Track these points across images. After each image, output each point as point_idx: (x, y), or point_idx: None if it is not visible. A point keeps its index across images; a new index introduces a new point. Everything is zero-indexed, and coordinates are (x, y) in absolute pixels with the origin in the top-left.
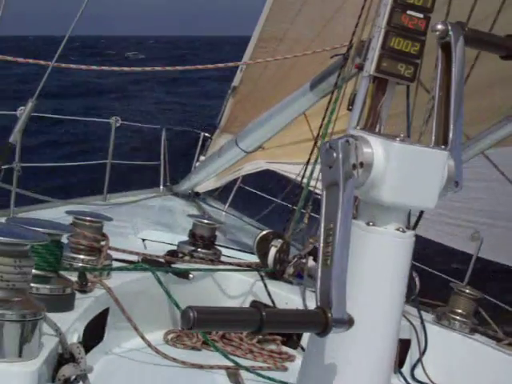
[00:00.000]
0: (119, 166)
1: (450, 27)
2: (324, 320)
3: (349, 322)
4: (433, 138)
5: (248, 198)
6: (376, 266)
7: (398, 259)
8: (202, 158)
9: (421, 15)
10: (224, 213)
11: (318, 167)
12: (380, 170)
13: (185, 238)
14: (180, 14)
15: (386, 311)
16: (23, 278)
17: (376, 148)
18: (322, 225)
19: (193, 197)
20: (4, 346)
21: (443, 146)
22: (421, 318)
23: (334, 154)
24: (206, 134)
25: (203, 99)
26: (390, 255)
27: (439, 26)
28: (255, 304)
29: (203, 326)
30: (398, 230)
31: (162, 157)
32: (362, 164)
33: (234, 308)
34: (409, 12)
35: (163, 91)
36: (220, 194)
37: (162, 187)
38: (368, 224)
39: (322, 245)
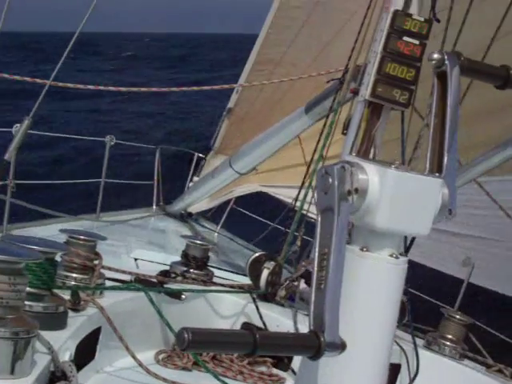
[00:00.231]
0: (112, 185)
1: (446, 56)
2: (317, 344)
3: (341, 346)
4: (427, 165)
5: (240, 219)
6: (369, 291)
7: (391, 285)
8: (196, 178)
9: (417, 42)
10: (216, 234)
11: (311, 191)
12: (375, 197)
13: (177, 258)
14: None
15: (378, 336)
16: (17, 296)
17: (371, 174)
18: (317, 249)
19: (185, 217)
20: None
21: (437, 174)
22: (414, 343)
23: (330, 180)
24: (200, 155)
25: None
26: (384, 281)
27: (435, 55)
28: (248, 326)
29: (197, 347)
30: (391, 255)
31: (155, 176)
32: (356, 190)
33: (227, 330)
34: (405, 38)
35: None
36: (212, 214)
37: (154, 207)
38: (362, 249)
39: (316, 269)
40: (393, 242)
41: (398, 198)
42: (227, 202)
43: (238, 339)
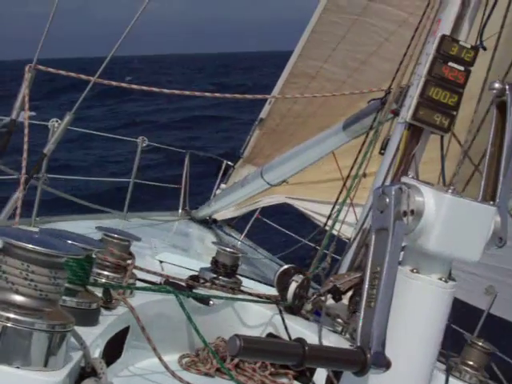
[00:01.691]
0: (141, 186)
1: (507, 87)
2: (363, 360)
3: (386, 365)
4: (481, 192)
5: (264, 229)
6: (417, 312)
7: (438, 308)
8: (223, 185)
9: (461, 68)
10: (240, 242)
11: (344, 207)
12: (430, 220)
13: (200, 262)
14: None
15: (422, 358)
16: (56, 290)
17: (427, 197)
18: (369, 267)
19: (210, 223)
20: (31, 354)
21: (491, 202)
22: (447, 369)
23: (387, 200)
24: (229, 163)
25: None
26: (432, 303)
27: (497, 85)
28: (298, 339)
29: (248, 354)
30: (440, 279)
31: (183, 181)
32: (412, 212)
33: (277, 340)
34: (450, 64)
35: None
36: (237, 223)
37: (180, 211)
38: (412, 271)
39: (366, 287)
40: (443, 265)
41: (452, 222)
42: (252, 212)
43: (288, 349)
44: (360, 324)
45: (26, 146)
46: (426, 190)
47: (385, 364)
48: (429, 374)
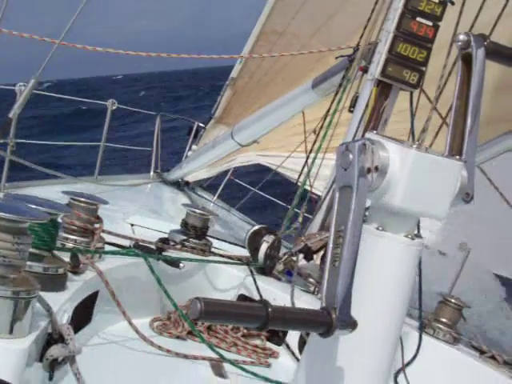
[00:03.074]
0: (111, 149)
1: (472, 38)
2: (329, 320)
3: (352, 325)
4: (447, 147)
5: (237, 190)
6: (383, 270)
7: (405, 265)
8: (195, 147)
9: (430, 23)
10: (212, 204)
11: (314, 165)
12: (394, 176)
13: (172, 225)
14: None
15: (390, 316)
16: (20, 256)
17: (392, 153)
18: (333, 226)
19: (182, 185)
20: None
21: (458, 156)
22: (421, 325)
23: (350, 156)
24: (200, 124)
25: None
26: (398, 261)
27: (461, 37)
28: (261, 301)
29: (210, 317)
30: (407, 236)
31: (154, 143)
32: (376, 168)
33: (240, 302)
34: (418, 19)
35: None
36: (209, 184)
37: (152, 173)
38: (378, 228)
39: (331, 246)
40: (409, 222)
41: (418, 178)
42: (225, 173)
43: (250, 312)
44: (325, 284)
45: None
46: (390, 146)
47: (351, 324)
48: (397, 332)
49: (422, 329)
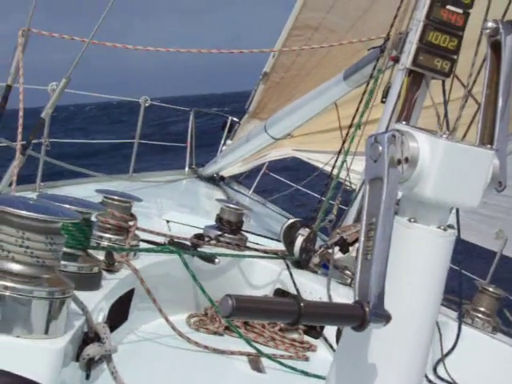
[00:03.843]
0: (146, 146)
1: (501, 25)
2: (362, 314)
3: (386, 318)
4: (478, 136)
5: (273, 184)
6: (416, 263)
7: (438, 257)
8: (229, 142)
9: (460, 10)
10: (248, 198)
11: (348, 158)
12: (425, 167)
13: (208, 221)
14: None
15: (423, 309)
16: (54, 256)
17: (422, 144)
18: (364, 219)
19: (217, 181)
20: (31, 322)
21: (489, 146)
22: (459, 316)
23: (380, 148)
24: (234, 119)
25: None
26: (431, 253)
27: (490, 24)
28: (293, 295)
29: (241, 314)
30: (439, 227)
31: (189, 139)
32: (407, 159)
33: (272, 298)
34: (448, 7)
35: None
36: (244, 179)
37: (187, 169)
38: (410, 220)
39: (362, 239)
40: (441, 213)
41: (449, 168)
42: (260, 167)
43: (282, 307)
44: (357, 278)
45: (21, 113)
46: (419, 136)
47: (385, 317)
48: (432, 324)
49: (460, 318)
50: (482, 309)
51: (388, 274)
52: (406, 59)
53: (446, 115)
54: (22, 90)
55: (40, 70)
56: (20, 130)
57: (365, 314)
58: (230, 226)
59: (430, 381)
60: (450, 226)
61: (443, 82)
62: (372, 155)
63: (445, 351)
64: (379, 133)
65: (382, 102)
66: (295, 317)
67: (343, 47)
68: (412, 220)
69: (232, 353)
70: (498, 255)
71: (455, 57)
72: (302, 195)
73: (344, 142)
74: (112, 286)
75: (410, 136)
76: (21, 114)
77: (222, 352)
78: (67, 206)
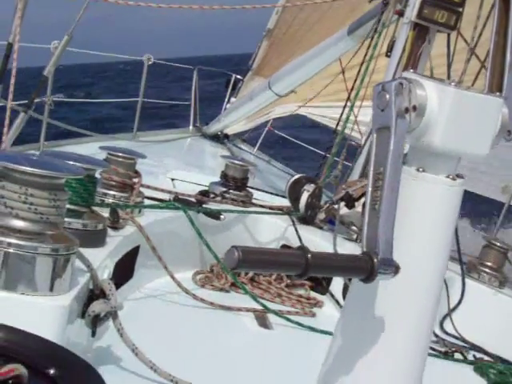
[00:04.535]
0: (149, 104)
1: None
2: (370, 265)
3: (395, 269)
4: (486, 84)
5: (277, 141)
6: (425, 213)
7: (447, 207)
8: (233, 99)
9: None
10: (253, 156)
11: (352, 113)
12: (433, 115)
13: (214, 178)
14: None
15: (433, 260)
16: (57, 212)
17: (430, 92)
18: (372, 169)
19: (222, 139)
20: (36, 279)
21: (498, 93)
22: (462, 270)
23: (387, 96)
24: (238, 76)
25: None
26: (440, 202)
27: None
28: (301, 247)
29: (248, 266)
30: (448, 177)
31: (192, 97)
32: (414, 108)
33: (278, 250)
34: None
35: None
36: (249, 136)
37: (191, 127)
38: (418, 170)
39: (370, 189)
40: (450, 162)
41: (457, 116)
42: (264, 125)
43: (289, 259)
44: (365, 228)
45: (13, 72)
46: (428, 84)
47: (393, 268)
48: (441, 276)
49: (463, 273)
50: (489, 263)
51: (396, 225)
52: (411, 12)
53: (449, 68)
54: (16, 49)
55: (47, 27)
56: (11, 89)
57: (373, 264)
58: (235, 183)
59: (436, 335)
60: (459, 176)
61: (448, 34)
62: (379, 104)
63: (451, 306)
64: (386, 81)
65: (387, 55)
66: (303, 268)
67: (345, 1)
68: (420, 170)
69: (238, 309)
70: (505, 208)
71: (460, 9)
72: (305, 151)
73: (348, 98)
74: (117, 242)
75: (418, 84)
76: (13, 72)
77: (229, 308)
78: (71, 162)
